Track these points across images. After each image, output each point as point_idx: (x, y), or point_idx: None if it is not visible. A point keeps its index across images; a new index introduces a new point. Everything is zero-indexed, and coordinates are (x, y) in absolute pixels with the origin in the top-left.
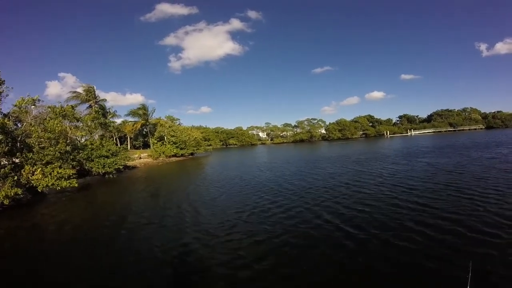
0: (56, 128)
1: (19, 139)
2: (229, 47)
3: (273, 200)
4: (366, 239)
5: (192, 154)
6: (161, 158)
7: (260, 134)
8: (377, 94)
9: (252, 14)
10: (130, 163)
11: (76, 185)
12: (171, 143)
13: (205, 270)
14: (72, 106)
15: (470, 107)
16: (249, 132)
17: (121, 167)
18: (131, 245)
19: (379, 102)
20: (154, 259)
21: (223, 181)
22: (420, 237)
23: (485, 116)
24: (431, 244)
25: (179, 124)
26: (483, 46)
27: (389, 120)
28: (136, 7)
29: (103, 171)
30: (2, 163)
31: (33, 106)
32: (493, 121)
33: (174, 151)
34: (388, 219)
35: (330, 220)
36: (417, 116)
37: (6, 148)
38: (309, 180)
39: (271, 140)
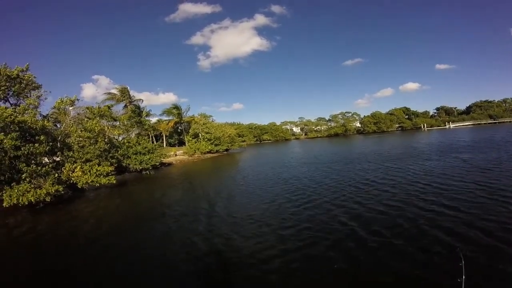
0: (95, 127)
1: (59, 138)
2: (256, 43)
3: (294, 198)
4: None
5: (226, 150)
6: (196, 155)
7: (294, 129)
8: (411, 86)
9: (276, 8)
10: (166, 160)
11: (114, 181)
12: (206, 139)
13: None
14: (108, 106)
15: (511, 98)
16: (283, 127)
17: (157, 163)
18: (166, 237)
19: (414, 94)
20: (189, 251)
21: (255, 176)
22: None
23: None
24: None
25: (212, 121)
26: None
27: (426, 113)
28: (159, 8)
29: (140, 167)
30: (44, 162)
31: (71, 108)
32: None
33: (209, 148)
34: (408, 222)
35: (345, 221)
36: (455, 108)
37: (47, 147)
38: (335, 177)
39: (305, 134)
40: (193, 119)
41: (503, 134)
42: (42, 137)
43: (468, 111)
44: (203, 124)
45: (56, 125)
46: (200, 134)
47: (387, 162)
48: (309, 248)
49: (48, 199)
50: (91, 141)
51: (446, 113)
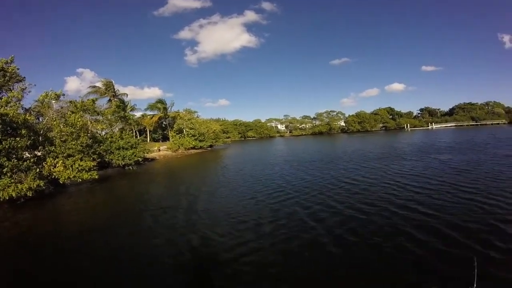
0: (78, 122)
1: (41, 133)
2: (245, 39)
3: (275, 194)
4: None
5: (211, 146)
6: (180, 151)
7: (279, 126)
8: (397, 86)
9: (267, 5)
10: (149, 156)
11: (96, 177)
12: (190, 135)
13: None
14: (93, 99)
15: (494, 101)
16: (268, 124)
17: (140, 159)
18: (149, 232)
19: (400, 94)
20: (173, 246)
21: (238, 172)
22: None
23: (508, 111)
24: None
25: (197, 117)
26: (506, 38)
27: (409, 113)
28: (148, 1)
29: (123, 163)
30: (25, 157)
31: (54, 101)
32: None
33: (193, 144)
34: (380, 220)
35: (322, 218)
36: (438, 109)
37: (29, 142)
38: (315, 175)
39: (289, 132)
40: (178, 114)
41: (484, 136)
42: (23, 131)
43: (451, 112)
44: (187, 119)
45: (38, 119)
46: (184, 130)
47: (367, 162)
48: (284, 243)
49: (30, 194)
50: (74, 136)
51: (430, 114)
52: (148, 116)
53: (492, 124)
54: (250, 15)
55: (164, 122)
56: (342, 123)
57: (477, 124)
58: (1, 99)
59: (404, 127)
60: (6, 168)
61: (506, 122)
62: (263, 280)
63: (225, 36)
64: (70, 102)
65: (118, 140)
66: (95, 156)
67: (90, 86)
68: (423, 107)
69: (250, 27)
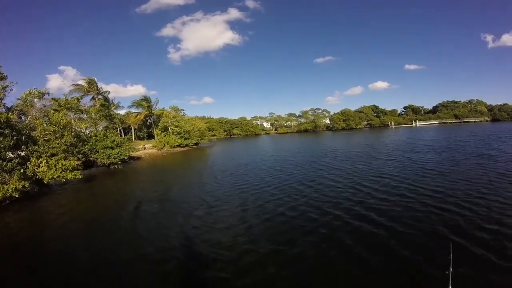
0: (61, 120)
1: (23, 132)
2: (228, 37)
3: (259, 192)
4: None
5: (196, 144)
6: (165, 149)
7: (264, 124)
8: (381, 84)
9: (250, 3)
10: (134, 154)
11: (80, 176)
12: (175, 133)
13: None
14: (77, 98)
15: (476, 99)
16: (253, 122)
17: (126, 157)
18: (134, 231)
19: (384, 93)
20: (158, 246)
21: (224, 170)
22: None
23: (491, 109)
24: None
25: (183, 115)
26: (489, 37)
27: (394, 111)
28: None
29: (108, 162)
30: (8, 157)
31: (37, 99)
32: (499, 114)
33: (179, 142)
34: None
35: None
36: (422, 107)
37: (12, 141)
38: (298, 173)
39: (275, 130)
40: (163, 112)
41: (465, 134)
42: (6, 131)
43: (434, 110)
44: (172, 117)
45: (20, 118)
46: (169, 128)
47: (351, 160)
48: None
49: (15, 194)
50: (57, 135)
51: (414, 112)
52: (133, 114)
53: (475, 121)
54: (234, 13)
55: (149, 120)
56: (327, 121)
57: (460, 122)
58: None
59: (388, 124)
60: None
61: (489, 119)
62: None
63: (208, 33)
64: (53, 100)
65: (104, 139)
66: (79, 156)
67: (72, 84)
68: (407, 105)
69: (233, 25)
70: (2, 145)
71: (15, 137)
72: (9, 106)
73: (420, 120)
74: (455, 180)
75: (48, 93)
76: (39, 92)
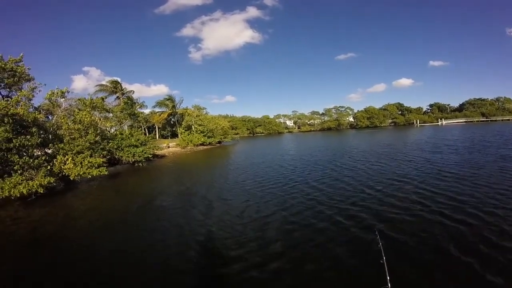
0: (85, 119)
1: (50, 130)
2: (248, 35)
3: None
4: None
5: (219, 142)
6: (189, 147)
7: (287, 122)
8: (405, 81)
9: (268, 1)
10: (158, 152)
11: (106, 173)
12: (199, 132)
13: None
14: (102, 98)
15: (504, 97)
16: (276, 120)
17: (150, 155)
18: (158, 227)
19: (408, 90)
20: (183, 246)
21: (246, 169)
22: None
23: None
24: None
25: (206, 113)
26: None
27: (419, 109)
28: (148, 0)
29: (133, 159)
30: (35, 154)
31: (62, 99)
32: None
33: (202, 140)
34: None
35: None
36: (448, 105)
37: (39, 139)
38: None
39: (298, 128)
40: (186, 111)
41: (491, 134)
42: (34, 129)
43: (461, 108)
44: (196, 116)
45: (48, 117)
46: (193, 126)
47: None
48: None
49: (41, 190)
50: (82, 133)
51: (439, 109)
52: (157, 113)
53: (502, 120)
54: (252, 11)
55: (172, 119)
56: (351, 119)
57: (488, 120)
58: (11, 98)
59: (413, 122)
60: (17, 166)
61: None
62: None
63: (228, 32)
64: (79, 99)
65: (129, 138)
66: (104, 153)
67: (97, 85)
68: (432, 102)
69: (252, 23)
70: (29, 143)
71: (42, 135)
72: (36, 106)
73: (446, 118)
74: (474, 185)
75: (69, 92)
76: (61, 91)
